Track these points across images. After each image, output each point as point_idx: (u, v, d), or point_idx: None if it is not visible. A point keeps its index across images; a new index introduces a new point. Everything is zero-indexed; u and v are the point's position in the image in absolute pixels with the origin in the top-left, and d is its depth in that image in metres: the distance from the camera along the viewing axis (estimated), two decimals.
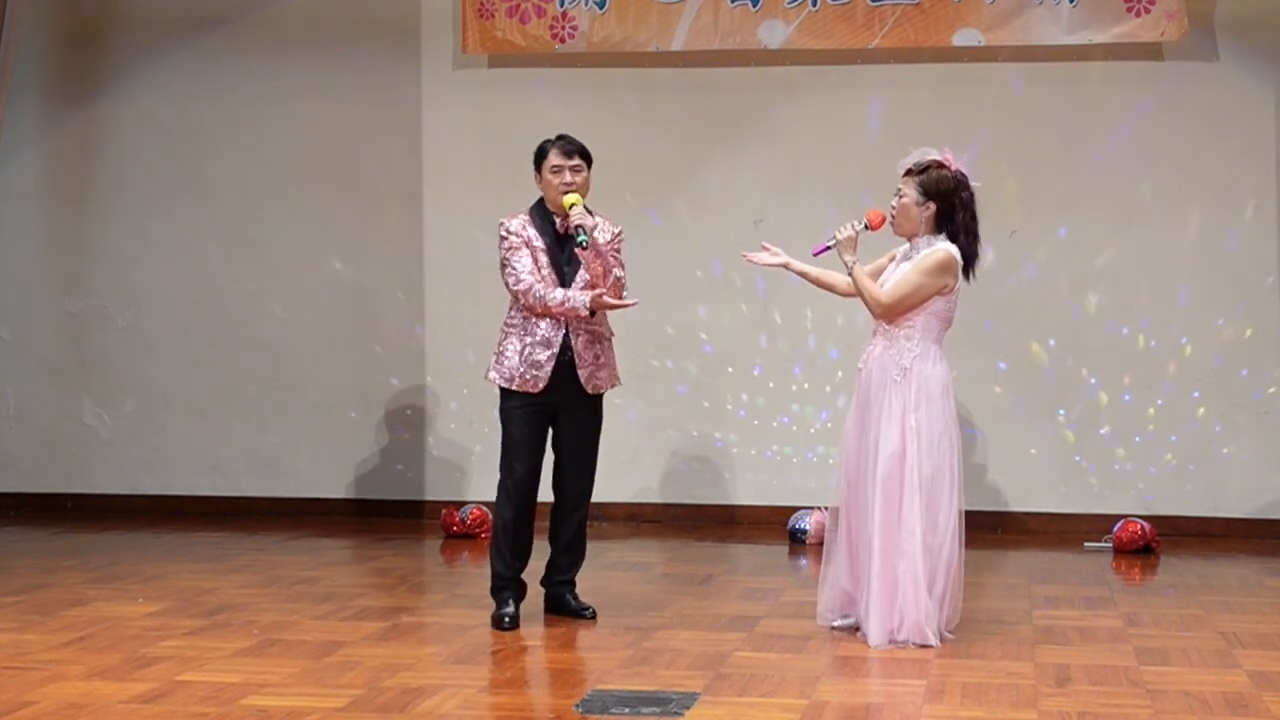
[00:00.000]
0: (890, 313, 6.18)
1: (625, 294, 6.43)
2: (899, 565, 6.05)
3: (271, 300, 9.60)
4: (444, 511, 8.93)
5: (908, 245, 6.32)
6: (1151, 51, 8.79)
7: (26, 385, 9.84)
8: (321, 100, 9.49)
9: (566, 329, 6.36)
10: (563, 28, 9.08)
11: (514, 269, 6.38)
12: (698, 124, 9.19)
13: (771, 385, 9.17)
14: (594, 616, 6.52)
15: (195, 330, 9.67)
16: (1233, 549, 8.43)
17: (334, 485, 9.57)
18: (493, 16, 9.15)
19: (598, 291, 6.27)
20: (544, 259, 6.39)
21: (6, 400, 9.87)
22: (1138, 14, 8.59)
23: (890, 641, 6.01)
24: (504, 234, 6.44)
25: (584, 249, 6.26)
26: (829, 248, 6.26)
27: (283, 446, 9.61)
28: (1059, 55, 8.82)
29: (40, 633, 6.24)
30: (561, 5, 9.07)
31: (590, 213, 6.39)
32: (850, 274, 6.25)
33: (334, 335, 9.55)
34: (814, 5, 8.85)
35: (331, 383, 9.55)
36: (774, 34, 8.92)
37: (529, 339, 6.38)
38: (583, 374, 6.39)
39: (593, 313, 6.30)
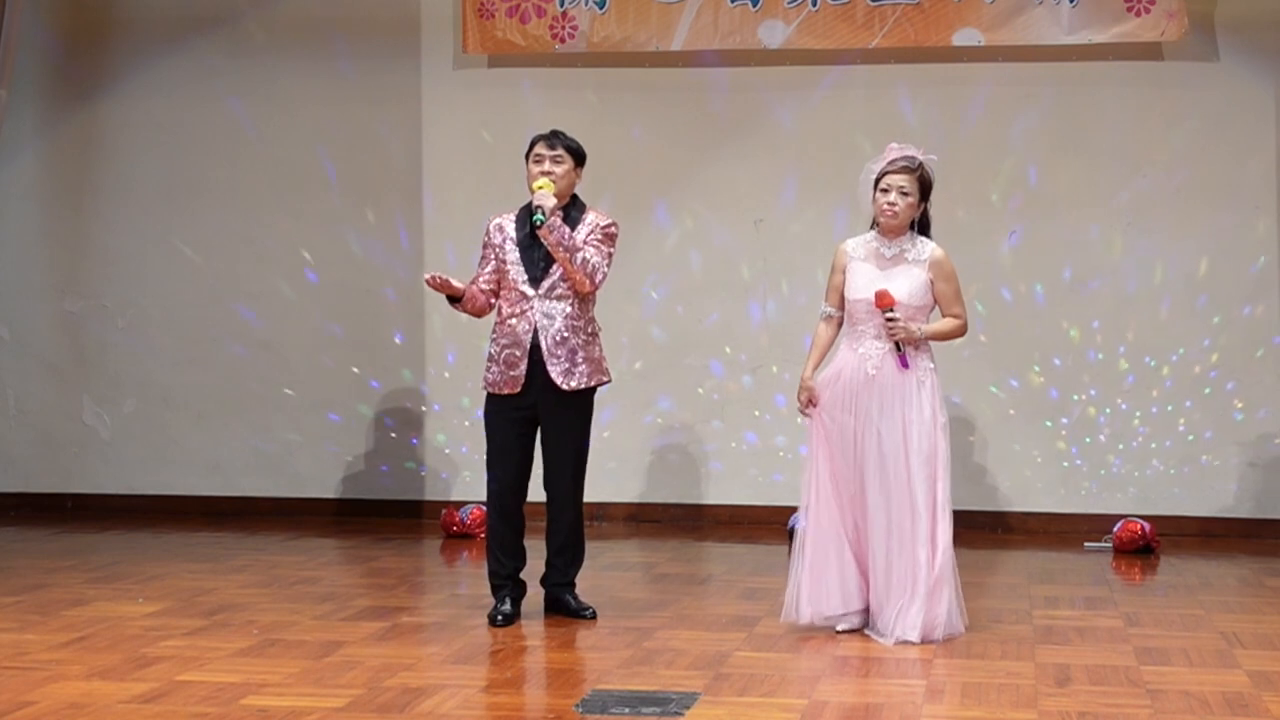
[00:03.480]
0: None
1: (586, 275, 6.34)
2: (946, 563, 6.09)
3: (271, 300, 9.59)
4: (444, 511, 8.94)
5: (880, 245, 6.20)
6: (1151, 51, 8.79)
7: (26, 385, 9.84)
8: (321, 100, 9.49)
9: (536, 327, 6.36)
10: (563, 28, 9.08)
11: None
12: (698, 124, 9.19)
13: (772, 385, 9.16)
14: (594, 616, 6.51)
15: (195, 330, 9.67)
16: (1233, 549, 8.42)
17: (334, 485, 9.57)
18: (493, 16, 9.15)
19: (431, 276, 6.40)
20: (515, 254, 6.41)
21: (6, 400, 9.87)
22: (1138, 14, 8.59)
23: (932, 638, 6.03)
24: (485, 231, 6.57)
25: (538, 228, 6.26)
26: (895, 319, 6.15)
27: (283, 446, 9.61)
28: (1059, 55, 8.81)
29: (40, 633, 6.23)
30: (561, 5, 9.07)
31: (582, 207, 6.42)
32: (926, 337, 6.21)
33: (334, 335, 9.55)
34: (814, 5, 8.85)
35: (331, 383, 9.55)
36: (774, 34, 8.92)
37: (505, 341, 6.41)
38: (555, 371, 6.35)
39: (454, 300, 6.45)
